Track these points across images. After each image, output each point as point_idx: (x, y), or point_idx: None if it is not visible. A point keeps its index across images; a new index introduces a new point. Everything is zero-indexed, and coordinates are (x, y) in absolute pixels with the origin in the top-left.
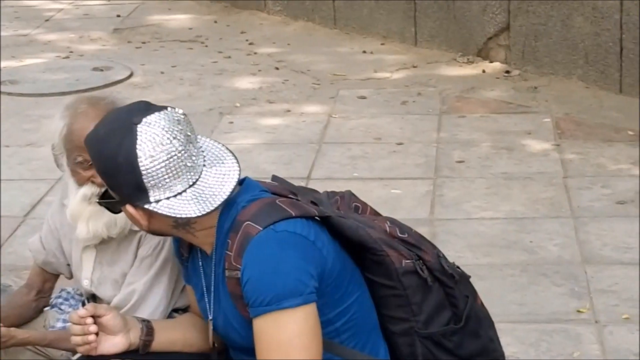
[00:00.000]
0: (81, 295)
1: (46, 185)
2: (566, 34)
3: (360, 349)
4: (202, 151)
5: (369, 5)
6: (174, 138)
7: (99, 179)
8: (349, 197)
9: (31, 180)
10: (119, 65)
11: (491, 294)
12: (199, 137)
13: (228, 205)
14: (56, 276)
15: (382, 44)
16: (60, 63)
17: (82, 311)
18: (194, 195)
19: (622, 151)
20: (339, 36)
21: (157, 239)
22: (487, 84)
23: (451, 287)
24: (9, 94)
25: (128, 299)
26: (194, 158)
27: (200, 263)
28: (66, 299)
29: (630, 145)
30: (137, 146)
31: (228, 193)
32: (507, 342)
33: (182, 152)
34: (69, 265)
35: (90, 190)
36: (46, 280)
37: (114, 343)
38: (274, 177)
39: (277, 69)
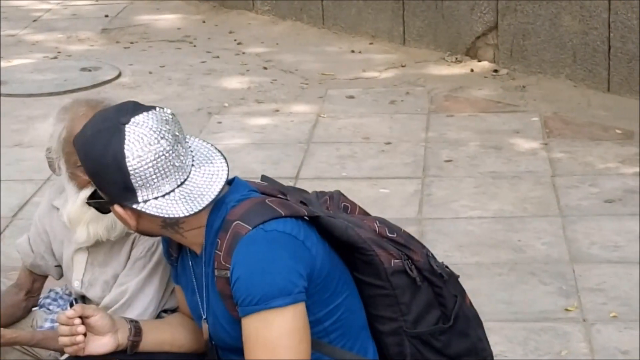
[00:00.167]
0: (70, 295)
1: (34, 186)
2: (554, 33)
3: (349, 349)
4: (191, 151)
5: (357, 5)
6: (162, 138)
7: None
8: (338, 197)
9: (19, 180)
10: (107, 65)
11: (479, 292)
12: (187, 137)
13: (217, 204)
14: (45, 276)
15: (371, 44)
16: (49, 63)
17: (70, 312)
18: (182, 195)
19: (610, 150)
20: (328, 36)
21: (151, 240)
22: (475, 83)
23: (440, 286)
24: None
25: (118, 298)
26: (182, 158)
27: (190, 263)
28: (54, 299)
29: (618, 143)
30: (125, 146)
31: (216, 193)
32: (495, 341)
33: (170, 152)
34: (57, 266)
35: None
36: (35, 280)
37: (102, 343)
38: (263, 177)
39: (265, 68)
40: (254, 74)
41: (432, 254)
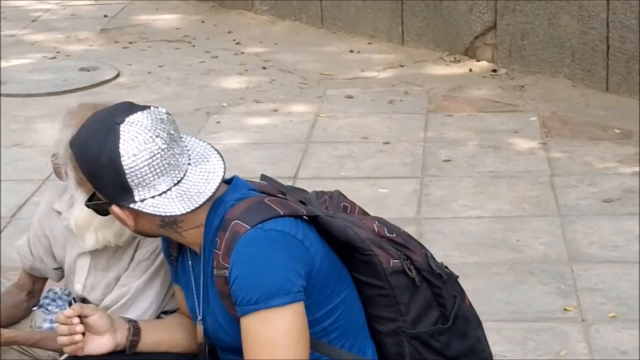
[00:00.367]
0: (68, 295)
1: (33, 186)
2: (553, 33)
3: (348, 349)
4: (187, 150)
5: (356, 5)
6: (157, 136)
7: None
8: (337, 197)
9: (18, 180)
10: (106, 65)
11: (478, 292)
12: (183, 136)
13: (216, 204)
14: (46, 278)
15: (369, 44)
16: (47, 63)
17: (68, 311)
18: (179, 193)
19: (609, 149)
20: (326, 35)
21: (155, 243)
22: (474, 82)
23: (439, 287)
24: None
25: (119, 299)
26: (177, 156)
27: (189, 263)
28: (53, 300)
29: (616, 143)
30: (120, 145)
31: (213, 190)
32: (494, 341)
33: (166, 150)
34: (55, 269)
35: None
36: (36, 281)
37: (101, 343)
38: (263, 177)
39: (264, 68)
40: (253, 74)
41: (431, 254)
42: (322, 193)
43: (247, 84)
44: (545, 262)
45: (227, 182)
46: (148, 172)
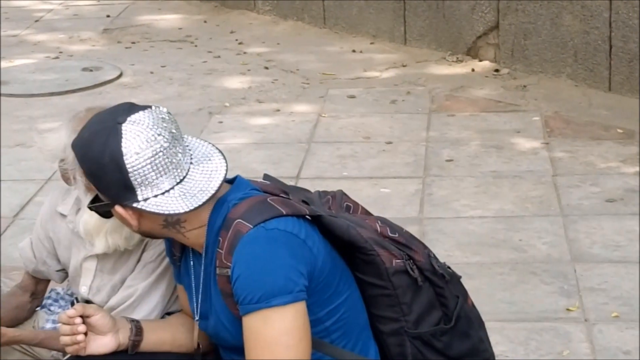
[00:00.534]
0: (71, 295)
1: (35, 186)
2: (555, 33)
3: (350, 349)
4: (189, 149)
5: (359, 5)
6: (159, 135)
7: None
8: (340, 197)
9: (20, 180)
10: (108, 65)
11: (480, 292)
12: (185, 136)
13: (219, 203)
14: (49, 279)
15: (372, 43)
16: (50, 63)
17: (71, 311)
18: (182, 192)
19: (611, 149)
20: (329, 35)
21: (162, 245)
22: (476, 82)
23: (441, 287)
24: None
25: (124, 300)
26: (180, 155)
27: (192, 262)
28: (55, 300)
29: (619, 143)
30: (122, 144)
31: (215, 188)
32: (497, 340)
33: (168, 149)
34: (58, 271)
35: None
36: (39, 282)
37: (103, 343)
38: (266, 176)
39: (266, 68)
40: (255, 74)
41: (433, 254)
42: (325, 193)
43: (250, 83)
44: (547, 262)
45: (229, 181)
46: (151, 170)
